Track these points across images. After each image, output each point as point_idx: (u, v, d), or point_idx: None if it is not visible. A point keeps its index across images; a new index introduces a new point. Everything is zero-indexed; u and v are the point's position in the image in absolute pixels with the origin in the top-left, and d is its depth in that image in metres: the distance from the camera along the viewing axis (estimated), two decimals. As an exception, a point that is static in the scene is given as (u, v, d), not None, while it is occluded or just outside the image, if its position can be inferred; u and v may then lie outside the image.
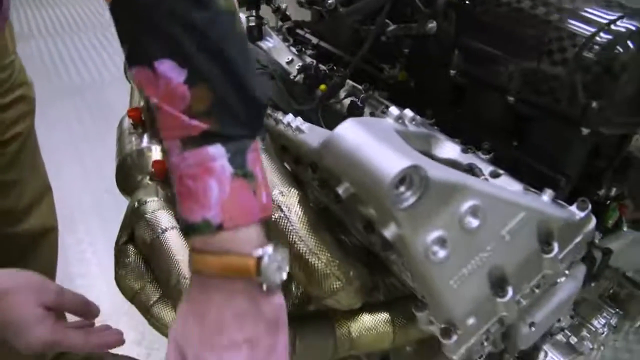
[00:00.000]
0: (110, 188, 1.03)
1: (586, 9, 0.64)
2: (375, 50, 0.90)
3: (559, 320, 0.91)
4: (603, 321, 1.07)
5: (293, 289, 0.79)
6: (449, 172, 0.56)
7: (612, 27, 0.62)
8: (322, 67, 0.99)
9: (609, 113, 0.63)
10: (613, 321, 1.08)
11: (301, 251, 0.65)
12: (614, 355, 1.72)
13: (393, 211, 0.52)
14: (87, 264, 1.84)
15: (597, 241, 0.85)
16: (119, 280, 0.80)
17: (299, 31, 1.12)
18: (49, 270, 1.30)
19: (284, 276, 0.56)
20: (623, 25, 0.62)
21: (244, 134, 0.54)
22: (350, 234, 0.78)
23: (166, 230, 0.77)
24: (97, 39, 4.27)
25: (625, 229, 0.91)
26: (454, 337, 0.64)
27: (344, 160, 0.54)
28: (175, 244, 0.76)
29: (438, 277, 0.58)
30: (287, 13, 1.09)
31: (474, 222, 0.57)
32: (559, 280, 0.77)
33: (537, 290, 0.71)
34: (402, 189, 0.51)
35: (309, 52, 1.08)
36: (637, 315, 1.13)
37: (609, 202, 0.86)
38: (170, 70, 0.50)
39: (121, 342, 0.75)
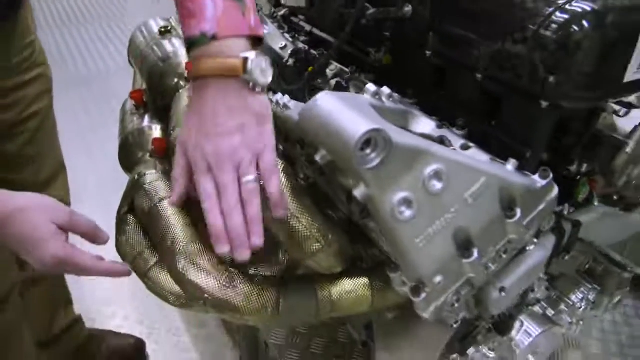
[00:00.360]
0: (113, 170, 1.09)
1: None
2: (362, 35, 0.97)
3: (533, 291, 0.97)
4: (580, 296, 1.12)
5: (281, 256, 0.84)
6: (412, 138, 0.61)
7: (568, 7, 0.67)
8: (313, 52, 1.05)
9: (566, 87, 0.68)
10: (591, 296, 1.13)
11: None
12: (614, 329, 1.78)
13: (360, 171, 0.58)
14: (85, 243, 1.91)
15: (566, 214, 0.90)
16: (119, 247, 0.86)
17: (293, 19, 1.18)
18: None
19: (269, 79, 0.68)
20: (578, 5, 0.67)
21: None
22: (336, 208, 0.84)
23: (163, 199, 0.84)
24: (102, 30, 4.35)
25: (596, 203, 0.96)
26: (423, 295, 0.70)
27: (317, 126, 0.60)
28: (171, 211, 0.82)
29: (405, 235, 0.64)
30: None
31: (437, 185, 0.63)
32: (528, 248, 0.83)
33: (504, 256, 0.76)
34: (367, 150, 0.57)
35: (302, 38, 1.14)
36: (615, 290, 1.18)
37: (579, 177, 0.92)
38: None
39: (127, 273, 0.82)
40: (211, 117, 0.67)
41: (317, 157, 0.66)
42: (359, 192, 0.61)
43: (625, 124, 0.94)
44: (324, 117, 0.59)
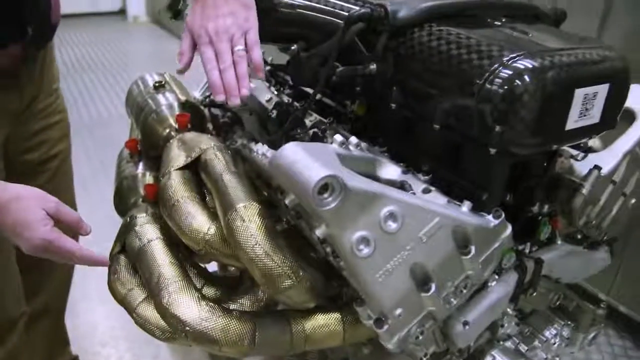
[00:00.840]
0: (110, 214, 1.16)
1: (493, 48, 0.78)
2: (339, 89, 1.05)
3: (502, 326, 1.02)
4: (554, 332, 1.17)
5: (260, 293, 0.91)
6: (368, 183, 0.69)
7: (512, 63, 0.75)
8: (296, 104, 1.13)
9: (511, 135, 0.75)
10: (565, 332, 1.18)
11: (258, 253, 0.78)
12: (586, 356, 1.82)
13: (320, 213, 0.65)
14: (88, 288, 1.98)
15: (527, 251, 0.97)
16: (111, 285, 0.93)
17: (279, 73, 1.27)
18: (67, 277, 1.44)
19: None
20: (521, 62, 0.75)
21: None
22: (314, 249, 0.91)
23: (152, 240, 0.91)
24: (106, 79, 4.52)
25: (559, 242, 1.02)
26: (385, 327, 0.76)
27: (282, 173, 0.68)
28: (159, 251, 0.89)
29: (365, 270, 0.71)
30: (268, 59, 1.25)
31: (392, 225, 0.70)
32: (490, 284, 0.89)
33: (464, 291, 0.82)
34: (325, 195, 0.64)
35: (287, 91, 1.23)
36: (589, 327, 1.22)
37: (540, 217, 0.98)
38: None
39: (106, 263, 0.93)
40: (212, 5, 0.92)
41: (286, 201, 0.74)
42: (320, 232, 0.68)
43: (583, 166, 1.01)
44: (288, 165, 0.66)
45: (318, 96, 1.14)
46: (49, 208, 0.85)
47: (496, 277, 0.89)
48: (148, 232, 0.92)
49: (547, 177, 0.95)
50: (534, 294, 1.03)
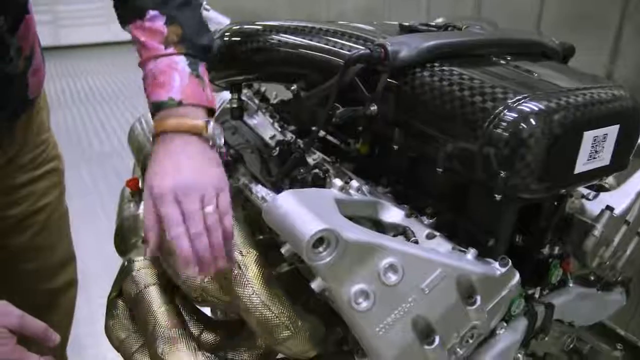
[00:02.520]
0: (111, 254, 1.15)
1: (497, 90, 0.75)
2: (342, 127, 1.03)
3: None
4: (569, 375, 1.13)
5: (259, 341, 0.88)
6: (365, 234, 0.66)
7: (517, 106, 0.72)
8: (299, 141, 1.12)
9: (517, 181, 0.72)
10: (580, 376, 1.13)
11: (255, 303, 0.75)
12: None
13: (315, 267, 0.62)
14: (97, 323, 1.95)
15: (537, 296, 0.93)
16: (108, 331, 0.91)
17: (283, 109, 1.26)
18: (65, 324, 1.41)
19: (222, 142, 0.83)
20: (526, 104, 0.72)
21: (198, 56, 0.85)
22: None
23: (148, 286, 0.88)
24: (118, 109, 4.55)
25: (571, 284, 0.98)
26: (388, 381, 0.72)
27: (277, 224, 0.65)
28: (155, 297, 0.87)
29: (365, 324, 0.68)
30: (269, 95, 1.24)
31: (393, 277, 0.67)
32: (498, 332, 0.85)
33: (471, 340, 0.79)
34: (320, 248, 0.62)
35: (291, 128, 1.21)
36: (605, 370, 1.17)
37: (551, 260, 0.94)
38: (155, 17, 0.83)
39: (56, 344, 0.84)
40: (175, 162, 0.78)
41: (283, 250, 0.71)
42: (315, 285, 0.65)
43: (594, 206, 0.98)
44: (282, 217, 0.64)
45: (321, 133, 1.13)
46: (11, 325, 0.78)
47: (505, 324, 0.85)
48: (145, 277, 0.90)
49: (558, 218, 0.92)
50: (546, 339, 0.99)
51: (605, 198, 0.97)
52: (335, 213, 0.68)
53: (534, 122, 0.71)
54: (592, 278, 1.04)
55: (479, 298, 0.74)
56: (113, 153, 3.67)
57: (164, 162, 0.78)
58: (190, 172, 0.77)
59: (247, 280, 0.76)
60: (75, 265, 1.37)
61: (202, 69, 0.85)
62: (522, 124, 0.71)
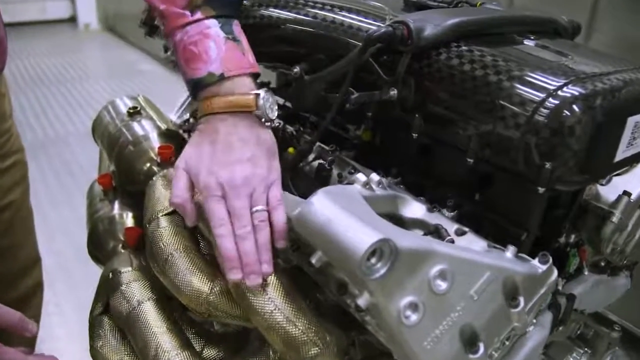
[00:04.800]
0: (77, 249, 1.03)
1: (536, 75, 0.69)
2: (346, 111, 0.95)
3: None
4: (573, 361, 1.10)
5: (271, 354, 0.79)
6: (416, 240, 0.58)
7: (559, 92, 0.66)
8: (289, 128, 1.02)
9: (562, 173, 0.66)
10: (583, 360, 1.12)
11: (278, 320, 0.66)
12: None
13: (366, 282, 0.54)
14: (53, 326, 1.80)
15: (560, 288, 0.89)
16: (95, 354, 0.80)
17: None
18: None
19: (275, 114, 0.74)
20: (569, 90, 0.66)
21: (228, 14, 0.73)
22: (324, 293, 0.80)
23: (142, 302, 0.78)
24: (61, 93, 4.24)
25: (586, 272, 0.95)
26: (431, 396, 0.66)
27: (316, 234, 0.57)
28: (152, 315, 0.76)
29: (412, 340, 0.60)
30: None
31: (443, 285, 0.60)
32: (528, 330, 0.80)
33: (507, 342, 0.73)
34: (373, 260, 0.54)
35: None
36: (605, 352, 1.16)
37: (569, 248, 0.90)
38: None
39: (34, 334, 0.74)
40: (225, 146, 0.70)
41: (313, 260, 0.63)
42: (363, 302, 0.57)
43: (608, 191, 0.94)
44: (323, 226, 0.55)
45: (313, 118, 1.04)
46: None
47: (534, 321, 0.80)
48: (137, 292, 0.79)
49: (577, 205, 0.87)
50: (560, 329, 0.96)
51: (617, 182, 0.93)
52: (377, 216, 0.60)
53: (581, 109, 0.65)
54: (602, 264, 1.01)
55: (522, 299, 0.69)
56: (58, 141, 3.40)
57: (211, 146, 0.70)
58: (241, 166, 0.69)
59: (268, 295, 0.67)
60: (41, 268, 1.24)
61: (236, 28, 0.74)
62: (567, 111, 0.65)
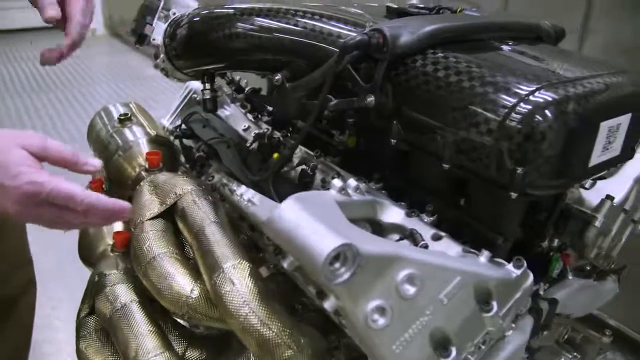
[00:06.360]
0: (74, 252, 1.05)
1: (509, 80, 0.69)
2: (326, 118, 0.96)
3: (515, 370, 0.95)
4: (563, 365, 1.10)
5: (252, 357, 0.80)
6: (381, 245, 0.59)
7: (531, 98, 0.67)
8: (276, 133, 1.03)
9: (534, 178, 0.67)
10: (573, 364, 1.11)
11: (252, 322, 0.68)
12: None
13: (330, 286, 0.55)
14: (53, 330, 1.83)
15: (542, 292, 0.89)
16: (80, 354, 0.81)
17: (256, 99, 1.17)
18: (27, 330, 1.30)
19: None
20: (541, 96, 0.67)
21: None
22: (307, 296, 0.81)
23: (125, 305, 0.79)
24: (65, 98, 4.29)
25: (570, 277, 0.95)
26: (403, 399, 0.66)
27: (284, 238, 0.58)
28: (134, 317, 0.78)
29: (380, 343, 0.61)
30: (242, 84, 1.14)
31: (411, 290, 0.61)
32: (507, 334, 0.81)
33: (483, 347, 0.74)
34: (336, 265, 0.54)
35: (265, 118, 1.13)
36: (595, 356, 1.16)
37: (551, 253, 0.91)
38: None
39: (126, 211, 0.73)
40: None
41: (285, 264, 0.64)
42: (329, 305, 0.58)
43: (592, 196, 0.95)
44: (290, 231, 0.56)
45: (301, 124, 1.05)
46: (31, 145, 0.66)
47: (512, 325, 0.81)
48: (121, 294, 0.81)
49: (558, 210, 0.88)
50: (545, 333, 0.96)
51: (601, 186, 0.94)
52: (345, 221, 0.61)
53: (552, 115, 0.65)
54: (587, 268, 1.02)
55: (495, 304, 0.69)
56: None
57: None
58: None
59: (243, 298, 0.68)
60: (33, 269, 1.26)
61: None
62: (539, 116, 0.65)
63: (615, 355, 1.86)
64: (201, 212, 0.81)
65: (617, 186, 0.95)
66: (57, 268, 1.98)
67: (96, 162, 0.72)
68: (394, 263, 0.59)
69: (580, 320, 1.13)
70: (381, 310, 0.59)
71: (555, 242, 0.90)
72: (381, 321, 0.60)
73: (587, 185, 0.92)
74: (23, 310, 1.23)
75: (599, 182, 0.93)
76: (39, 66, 4.99)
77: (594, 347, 1.15)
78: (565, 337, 1.08)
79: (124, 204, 0.72)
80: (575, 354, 1.10)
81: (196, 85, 1.18)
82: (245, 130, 1.09)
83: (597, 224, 0.89)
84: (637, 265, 1.25)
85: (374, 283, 0.58)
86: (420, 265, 0.61)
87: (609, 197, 0.90)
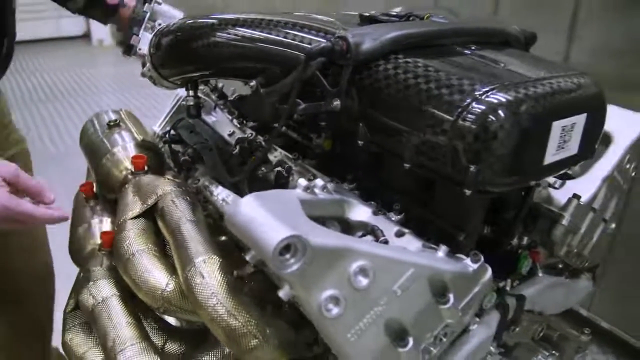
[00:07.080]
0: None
1: (463, 82, 0.73)
2: (305, 122, 1.00)
3: (487, 365, 0.97)
4: (540, 363, 1.12)
5: (226, 350, 0.84)
6: (333, 237, 0.63)
7: (484, 98, 0.70)
8: (260, 138, 1.07)
9: (487, 175, 0.70)
10: (550, 362, 1.13)
11: (220, 312, 0.71)
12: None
13: (282, 275, 0.59)
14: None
15: (508, 288, 0.92)
16: (65, 346, 0.86)
17: (241, 105, 1.21)
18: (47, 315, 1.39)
19: None
20: (493, 96, 0.70)
21: None
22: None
23: (106, 298, 0.84)
24: (71, 107, 4.38)
25: (540, 274, 0.98)
26: (362, 386, 0.70)
27: (241, 231, 0.62)
28: (114, 309, 0.82)
29: (336, 331, 0.65)
30: (226, 91, 1.19)
31: (363, 281, 0.64)
32: (471, 328, 0.84)
33: (444, 339, 0.77)
34: (287, 256, 0.58)
35: (250, 124, 1.17)
36: (574, 354, 1.18)
37: (520, 250, 0.93)
38: None
39: (65, 218, 0.88)
40: None
41: (248, 257, 0.68)
42: (283, 293, 0.62)
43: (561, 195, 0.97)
44: (245, 224, 0.60)
45: (283, 129, 1.09)
46: (6, 173, 0.80)
47: (477, 319, 0.84)
48: (102, 288, 0.85)
49: (526, 208, 0.91)
50: (517, 330, 0.98)
51: (571, 186, 0.96)
52: (301, 216, 0.65)
53: (503, 114, 0.68)
54: (560, 266, 1.04)
55: (451, 296, 0.72)
56: (71, 154, 3.52)
57: None
58: None
59: (211, 290, 0.72)
60: (52, 261, 1.38)
61: None
62: (491, 116, 0.68)
63: (607, 357, 1.88)
64: (179, 211, 0.86)
65: (586, 185, 0.98)
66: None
67: (52, 197, 0.87)
68: (345, 255, 0.62)
69: (557, 317, 1.16)
70: (335, 300, 0.63)
71: (525, 240, 0.93)
72: (335, 310, 0.63)
73: (556, 185, 0.95)
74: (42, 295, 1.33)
75: (568, 182, 0.96)
76: (46, 77, 5.14)
77: (571, 345, 1.17)
78: (541, 334, 1.10)
79: (63, 215, 0.88)
80: (553, 351, 1.12)
81: (184, 92, 1.23)
82: (230, 135, 1.13)
83: (565, 222, 0.92)
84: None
85: (326, 274, 0.62)
86: (372, 257, 0.64)
87: (576, 196, 0.93)
